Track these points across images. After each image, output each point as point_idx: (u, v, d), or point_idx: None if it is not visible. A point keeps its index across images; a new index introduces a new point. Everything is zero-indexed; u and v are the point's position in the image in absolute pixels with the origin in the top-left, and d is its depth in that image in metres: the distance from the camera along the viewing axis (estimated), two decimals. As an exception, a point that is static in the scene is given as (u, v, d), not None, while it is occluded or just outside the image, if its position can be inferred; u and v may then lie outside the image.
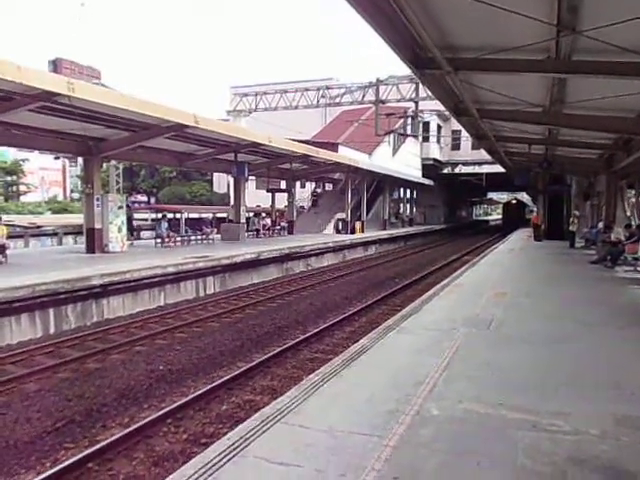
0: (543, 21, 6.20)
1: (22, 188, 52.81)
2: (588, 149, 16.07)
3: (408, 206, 44.69)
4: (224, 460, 3.40)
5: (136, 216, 32.55)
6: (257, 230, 26.60)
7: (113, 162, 21.13)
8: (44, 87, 10.62)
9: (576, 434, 3.79)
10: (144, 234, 30.74)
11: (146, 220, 34.81)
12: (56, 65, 75.07)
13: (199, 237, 22.59)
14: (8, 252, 14.10)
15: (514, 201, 65.69)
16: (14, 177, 51.74)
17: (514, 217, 58.18)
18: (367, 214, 32.91)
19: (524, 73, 8.26)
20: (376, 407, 4.31)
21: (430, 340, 6.49)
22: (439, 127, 44.95)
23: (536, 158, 19.00)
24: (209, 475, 3.21)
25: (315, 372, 5.30)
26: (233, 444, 3.63)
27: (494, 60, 7.76)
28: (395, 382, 4.93)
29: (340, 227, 29.79)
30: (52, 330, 10.72)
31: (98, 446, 5.48)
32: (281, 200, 31.35)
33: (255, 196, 35.20)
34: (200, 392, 7.09)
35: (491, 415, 4.16)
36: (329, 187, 38.46)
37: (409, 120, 38.21)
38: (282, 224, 28.72)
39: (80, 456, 5.26)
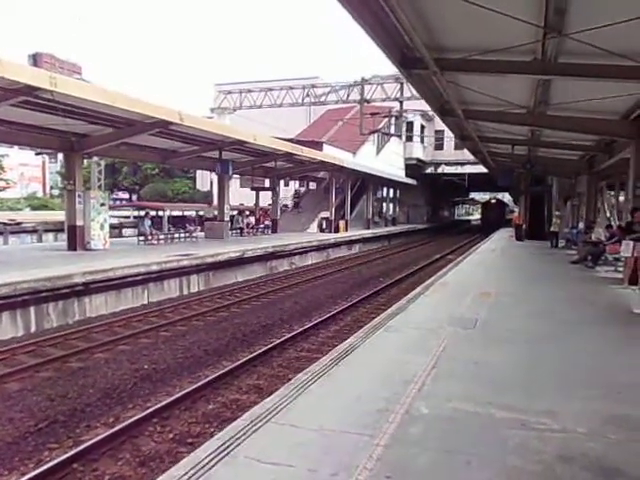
0: (530, 23, 6.26)
1: (1, 184, 51.81)
2: (570, 150, 16.30)
3: (391, 205, 44.87)
4: (214, 460, 3.37)
5: (118, 214, 32.26)
6: (241, 228, 26.49)
7: (95, 158, 20.82)
8: (26, 81, 10.44)
9: (564, 432, 3.83)
10: (126, 232, 30.43)
11: (128, 218, 34.43)
12: (36, 60, 73.67)
13: (183, 235, 22.42)
14: (-13, 249, 13.86)
15: (493, 200, 60.91)
16: (-8, 173, 50.77)
17: (494, 217, 53.80)
18: (351, 213, 32.98)
19: (510, 74, 8.35)
20: (366, 406, 4.31)
21: (417, 339, 6.52)
22: (422, 127, 45.22)
23: (519, 159, 19.21)
24: (200, 476, 3.18)
25: (304, 371, 5.28)
26: (223, 444, 3.60)
27: (481, 61, 7.83)
28: (384, 381, 4.94)
29: (324, 226, 29.82)
30: (33, 329, 10.56)
31: (82, 446, 5.41)
32: (264, 199, 31.25)
33: (238, 194, 35.05)
34: (185, 391, 7.03)
35: (480, 414, 4.19)
36: (313, 186, 38.46)
37: (393, 120, 38.34)
38: (266, 222, 28.64)
39: (64, 457, 5.18)
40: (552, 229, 21.85)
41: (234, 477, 3.21)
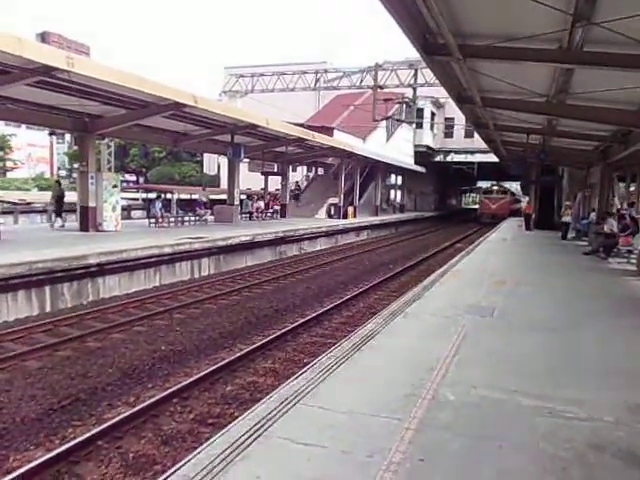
0: (560, 10, 6.17)
1: (9, 164, 51.88)
2: (585, 140, 16.16)
3: (399, 192, 44.74)
4: (249, 440, 3.42)
5: (126, 196, 32.29)
6: (250, 213, 26.49)
7: (106, 140, 20.82)
8: (43, 61, 10.40)
9: (592, 421, 3.87)
10: (135, 214, 30.47)
11: (136, 200, 34.47)
12: (44, 39, 73.24)
13: (192, 218, 22.45)
14: (0, 228, 13.91)
15: (495, 187, 48.24)
16: (0, 153, 50.79)
17: (498, 209, 43.92)
18: (359, 199, 32.89)
19: (534, 63, 8.26)
20: (392, 391, 4.36)
21: (436, 326, 6.55)
22: (433, 114, 44.89)
23: (532, 148, 19.07)
24: (237, 454, 3.23)
25: (327, 355, 5.32)
26: (256, 424, 3.65)
27: (505, 48, 7.73)
28: (408, 367, 4.98)
29: (332, 212, 29.76)
30: (48, 308, 10.64)
31: (106, 424, 5.48)
32: (272, 183, 31.21)
33: (246, 178, 34.98)
34: (204, 373, 7.10)
35: (506, 401, 4.22)
36: (321, 171, 38.36)
37: (404, 106, 38.07)
38: (275, 207, 28.62)
39: (89, 434, 5.25)
40: (563, 219, 21.75)
41: (270, 456, 3.26)
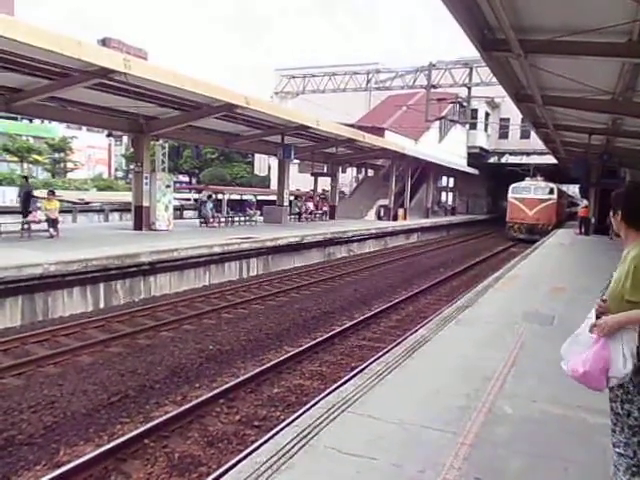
0: (630, -1, 5.77)
1: (69, 165, 53.99)
2: (652, 141, 15.30)
3: (450, 195, 43.84)
4: (295, 448, 3.28)
5: (179, 196, 32.99)
6: (299, 213, 26.52)
7: (160, 141, 21.30)
8: (101, 64, 10.66)
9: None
10: (186, 214, 31.10)
11: (189, 200, 35.16)
12: (105, 44, 76.18)
13: (242, 218, 22.66)
14: (59, 226, 14.38)
15: (532, 183, 31.10)
16: (62, 154, 52.94)
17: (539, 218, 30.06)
18: (410, 201, 32.40)
19: (598, 57, 7.80)
20: (445, 401, 4.13)
21: (492, 334, 6.25)
22: (487, 114, 43.74)
23: (594, 149, 18.20)
24: (282, 463, 3.10)
25: (377, 361, 5.13)
26: (302, 431, 3.51)
27: (569, 43, 7.33)
28: (462, 376, 4.73)
29: (382, 214, 29.43)
30: (102, 305, 10.89)
31: (153, 423, 5.48)
32: (320, 185, 31.19)
33: (295, 180, 35.12)
34: (251, 374, 7.04)
35: (570, 417, 3.92)
36: (370, 173, 38.06)
37: (457, 106, 37.28)
38: (324, 208, 28.55)
39: (136, 432, 5.26)
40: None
41: (317, 467, 3.11)
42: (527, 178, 32.29)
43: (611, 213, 2.62)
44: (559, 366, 5.19)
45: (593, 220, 25.81)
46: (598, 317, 2.50)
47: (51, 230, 13.78)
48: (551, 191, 30.46)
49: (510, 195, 31.14)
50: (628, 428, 2.44)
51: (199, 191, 25.61)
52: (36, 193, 16.45)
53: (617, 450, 2.51)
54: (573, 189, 58.07)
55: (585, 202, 29.84)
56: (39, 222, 14.00)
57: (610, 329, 2.37)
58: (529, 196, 30.28)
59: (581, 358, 2.45)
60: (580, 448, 3.43)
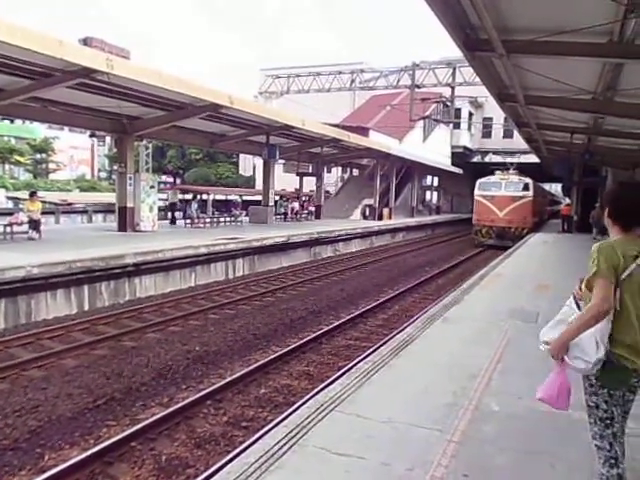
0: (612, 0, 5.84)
1: (51, 166, 53.25)
2: (632, 139, 15.50)
3: (435, 194, 44.07)
4: (284, 448, 3.28)
5: (163, 196, 32.74)
6: (285, 214, 26.49)
7: (144, 142, 21.13)
8: (84, 63, 10.56)
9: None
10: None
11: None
12: (86, 43, 75.35)
13: (227, 219, 22.58)
14: (42, 228, 14.20)
15: (503, 178, 26.61)
16: (44, 155, 52.21)
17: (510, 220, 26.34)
18: (395, 201, 32.52)
19: (580, 57, 7.90)
20: (433, 399, 4.16)
21: (477, 331, 6.30)
22: (470, 114, 44.08)
23: (576, 148, 18.42)
24: (271, 464, 3.09)
25: (364, 360, 5.15)
26: (291, 431, 3.51)
27: (551, 43, 7.40)
28: (448, 374, 4.76)
29: (367, 213, 29.51)
30: (86, 307, 10.78)
31: (140, 425, 5.44)
32: (306, 185, 31.16)
33: (280, 179, 35.06)
34: (238, 375, 7.01)
35: (556, 414, 3.91)
36: (356, 172, 38.12)
37: (441, 106, 37.49)
38: (309, 208, 28.56)
39: (123, 435, 5.21)
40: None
41: (306, 467, 3.11)
42: (497, 172, 27.25)
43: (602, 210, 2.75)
44: (544, 362, 5.26)
45: (575, 218, 26.12)
46: (577, 304, 2.64)
47: (32, 232, 13.58)
48: (526, 187, 25.77)
49: (476, 192, 26.80)
50: (600, 420, 2.52)
51: (184, 191, 25.46)
52: (18, 194, 16.21)
53: (595, 443, 2.58)
54: (556, 187, 58.72)
55: (568, 200, 30.20)
56: (21, 224, 13.82)
57: (560, 350, 2.48)
58: (499, 193, 25.82)
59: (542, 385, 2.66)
60: (566, 444, 3.48)
